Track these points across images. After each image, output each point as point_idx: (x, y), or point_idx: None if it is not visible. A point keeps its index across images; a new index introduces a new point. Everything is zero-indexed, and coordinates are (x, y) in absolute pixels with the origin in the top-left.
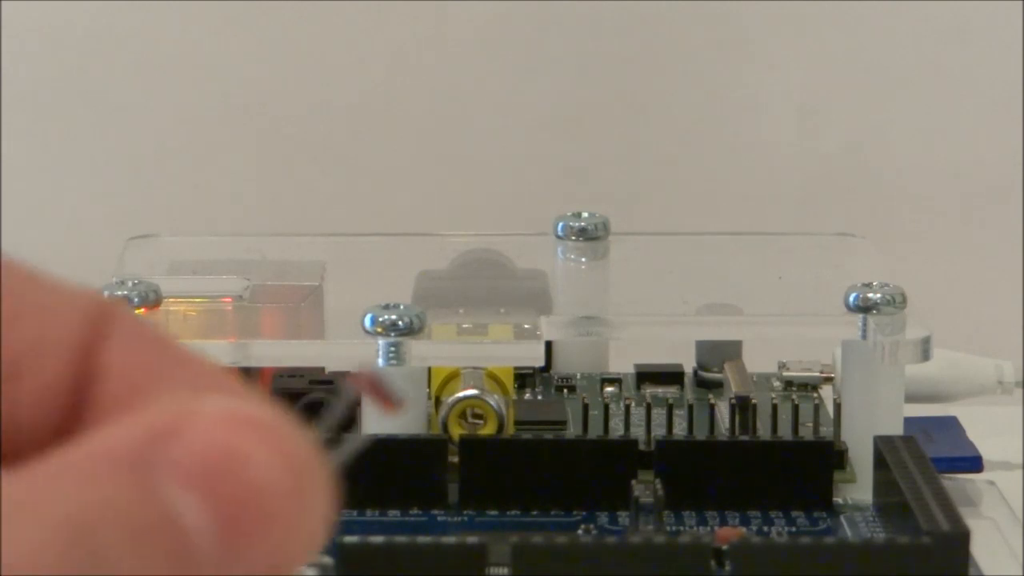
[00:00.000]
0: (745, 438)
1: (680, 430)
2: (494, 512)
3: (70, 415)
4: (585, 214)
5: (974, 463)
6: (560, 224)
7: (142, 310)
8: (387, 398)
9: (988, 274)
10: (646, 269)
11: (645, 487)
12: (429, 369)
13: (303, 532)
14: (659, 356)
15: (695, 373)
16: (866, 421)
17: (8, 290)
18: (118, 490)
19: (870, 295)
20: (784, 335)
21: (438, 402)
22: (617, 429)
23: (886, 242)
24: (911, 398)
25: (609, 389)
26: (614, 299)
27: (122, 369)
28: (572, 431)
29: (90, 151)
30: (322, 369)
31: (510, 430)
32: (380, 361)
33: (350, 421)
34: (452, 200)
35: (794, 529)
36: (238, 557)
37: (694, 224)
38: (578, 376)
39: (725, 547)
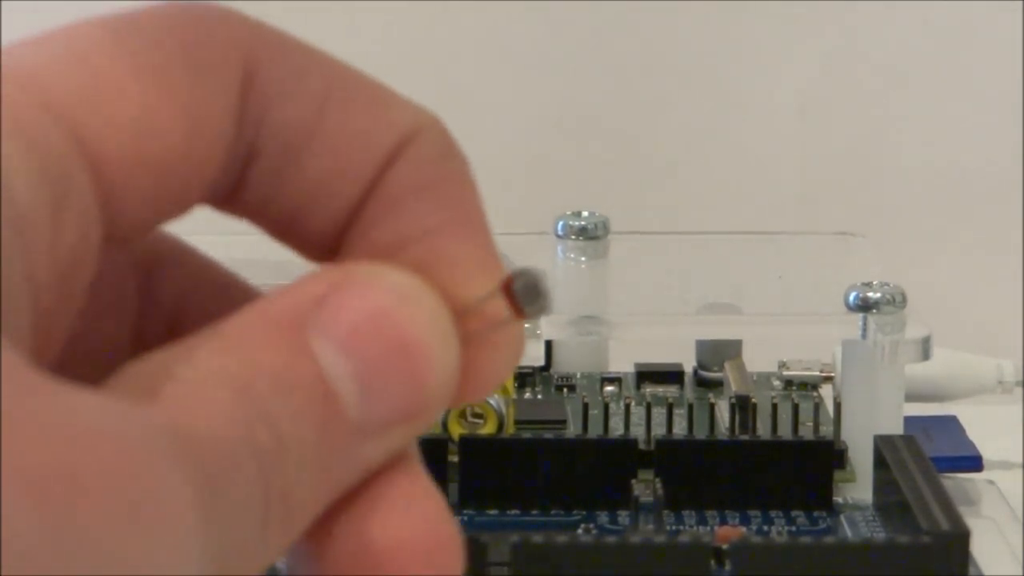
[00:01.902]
0: (745, 438)
1: (680, 429)
2: (494, 512)
3: (347, 225)
4: (585, 214)
5: (974, 463)
6: (560, 224)
7: None
8: (516, 306)
9: (988, 274)
10: (646, 269)
11: (645, 487)
12: None
13: (435, 384)
14: (659, 356)
15: (695, 372)
16: (866, 420)
17: (325, 106)
18: (270, 350)
19: (870, 295)
20: (784, 335)
21: None
22: (617, 428)
23: (886, 242)
24: (911, 398)
25: (609, 388)
26: (614, 299)
27: (392, 193)
28: (572, 430)
29: None
30: None
31: (510, 429)
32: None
33: None
34: None
35: (794, 529)
36: (377, 403)
37: (694, 224)
38: (578, 375)
39: (725, 547)
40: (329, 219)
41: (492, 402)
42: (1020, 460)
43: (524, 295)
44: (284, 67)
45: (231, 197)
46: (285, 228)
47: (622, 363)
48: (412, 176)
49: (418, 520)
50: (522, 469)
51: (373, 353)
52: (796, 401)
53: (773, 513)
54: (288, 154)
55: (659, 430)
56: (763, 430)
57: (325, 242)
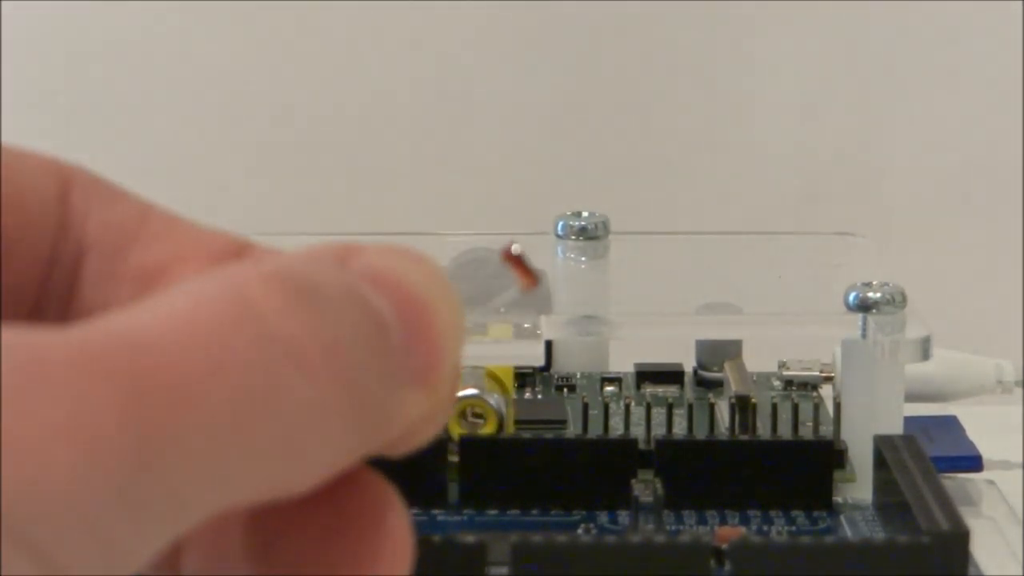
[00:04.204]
0: (745, 438)
1: (680, 429)
2: (494, 512)
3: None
4: (585, 214)
5: (974, 463)
6: (560, 224)
7: None
8: (528, 273)
9: (988, 274)
10: (646, 269)
11: (645, 486)
12: None
13: (452, 332)
14: (659, 355)
15: (695, 372)
16: (866, 420)
17: (145, 214)
18: (339, 277)
19: (870, 294)
20: (784, 335)
21: None
22: (617, 428)
23: (886, 242)
24: (911, 398)
25: (609, 388)
26: (614, 299)
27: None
28: (572, 430)
29: (89, 152)
30: None
31: (510, 429)
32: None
33: None
34: (452, 200)
35: (794, 529)
36: (408, 348)
37: (694, 224)
38: (578, 375)
39: (725, 547)
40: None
41: (492, 402)
42: (1020, 460)
43: (531, 263)
44: (98, 185)
45: (62, 300)
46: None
47: (622, 363)
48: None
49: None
50: (522, 469)
51: (398, 302)
52: (796, 401)
53: (773, 513)
54: (116, 251)
55: (659, 430)
56: (763, 430)
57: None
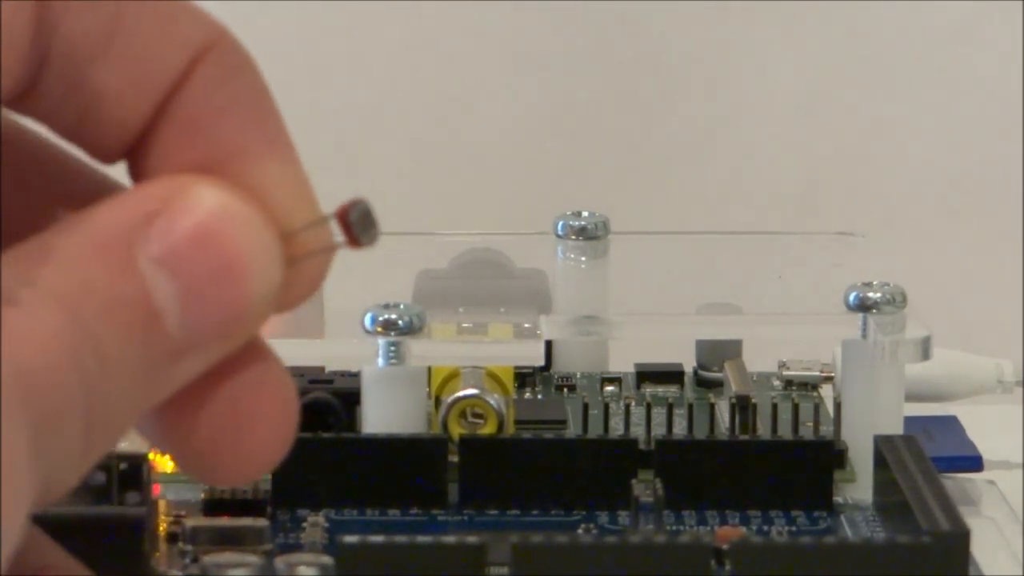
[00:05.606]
0: (745, 438)
1: (680, 429)
2: (494, 512)
3: (139, 138)
4: (585, 214)
5: (974, 463)
6: (560, 224)
7: None
8: (352, 236)
9: (988, 274)
10: (646, 269)
11: (645, 486)
12: (429, 368)
13: (254, 303)
14: (659, 355)
15: (695, 372)
16: (866, 420)
17: (116, 20)
18: (98, 270)
19: (870, 294)
20: (784, 334)
21: (438, 401)
22: (617, 428)
23: (886, 242)
24: (911, 398)
25: (609, 388)
26: (614, 299)
27: (194, 111)
28: (572, 431)
29: None
30: (322, 368)
31: (510, 429)
32: (380, 360)
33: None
34: (452, 200)
35: (794, 529)
36: (198, 322)
37: (694, 224)
38: (578, 375)
39: (725, 547)
40: (120, 130)
41: (492, 402)
42: (1020, 460)
43: (360, 225)
44: None
45: (23, 98)
46: (74, 133)
47: (622, 363)
48: (210, 95)
49: (276, 392)
50: (522, 469)
51: (197, 272)
52: (796, 401)
53: (773, 513)
54: (77, 63)
55: (659, 430)
56: (763, 430)
57: (116, 151)
